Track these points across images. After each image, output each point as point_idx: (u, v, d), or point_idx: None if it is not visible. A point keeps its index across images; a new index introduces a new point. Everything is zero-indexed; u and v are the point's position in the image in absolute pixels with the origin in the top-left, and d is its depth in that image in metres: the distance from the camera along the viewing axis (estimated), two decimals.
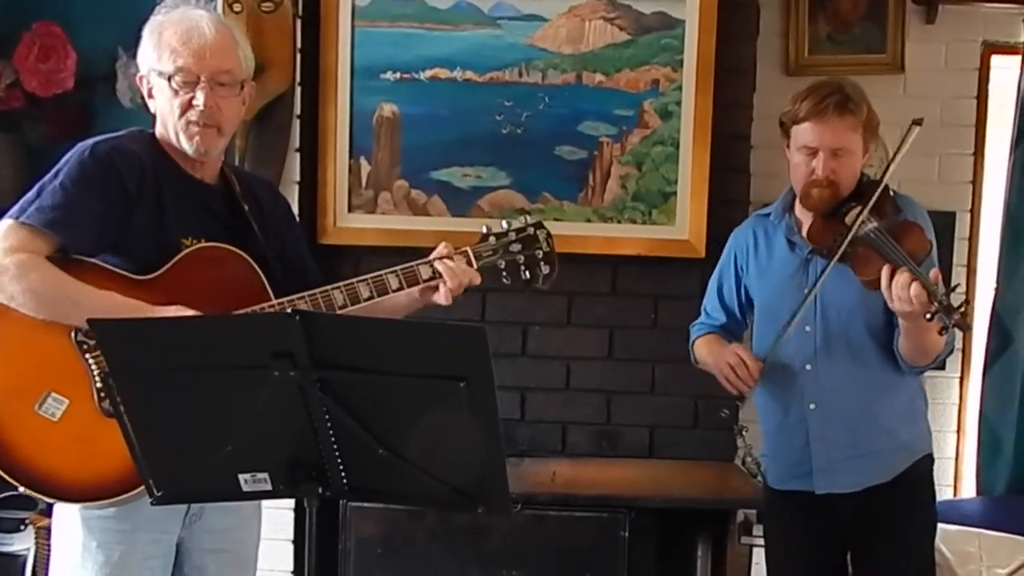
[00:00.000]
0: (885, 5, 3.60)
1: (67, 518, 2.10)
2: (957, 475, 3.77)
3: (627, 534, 2.97)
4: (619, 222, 3.39)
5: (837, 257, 2.44)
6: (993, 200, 3.70)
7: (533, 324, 3.44)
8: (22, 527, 3.31)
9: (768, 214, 2.68)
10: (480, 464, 1.75)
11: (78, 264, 2.03)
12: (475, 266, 2.26)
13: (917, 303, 2.24)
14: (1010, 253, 3.60)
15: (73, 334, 1.98)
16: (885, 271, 2.31)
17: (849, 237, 2.41)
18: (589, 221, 3.39)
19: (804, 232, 2.55)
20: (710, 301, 2.81)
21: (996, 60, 3.67)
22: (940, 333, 2.27)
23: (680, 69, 3.33)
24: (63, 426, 2.00)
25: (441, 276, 2.20)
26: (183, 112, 2.10)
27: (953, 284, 2.32)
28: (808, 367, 2.55)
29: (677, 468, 3.33)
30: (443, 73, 3.38)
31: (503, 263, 2.29)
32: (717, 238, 3.32)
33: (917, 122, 2.45)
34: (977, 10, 3.62)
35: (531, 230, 2.31)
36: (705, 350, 2.73)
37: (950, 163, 3.59)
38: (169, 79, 2.09)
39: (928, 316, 2.24)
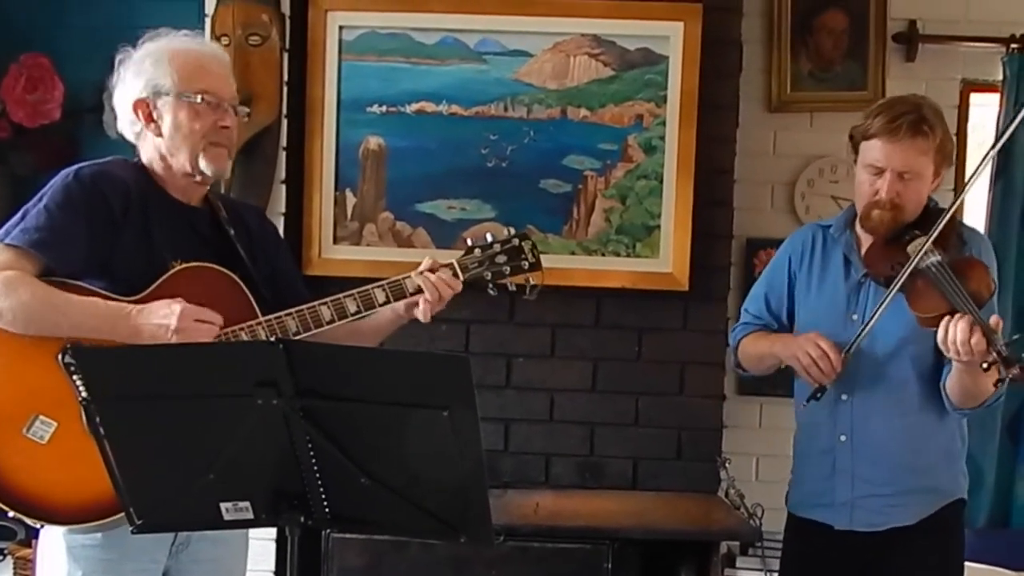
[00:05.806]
0: (866, 43, 3.65)
1: (52, 547, 2.08)
2: None
3: (610, 566, 2.95)
4: (603, 255, 3.41)
5: (896, 288, 2.29)
6: None
7: (517, 356, 3.45)
8: (1, 557, 3.28)
9: (829, 225, 2.56)
10: (463, 494, 1.75)
11: (64, 286, 2.03)
12: (461, 278, 2.26)
13: (976, 352, 2.11)
14: None
15: (60, 356, 1.98)
16: (945, 316, 2.16)
17: (909, 268, 2.27)
18: (573, 254, 3.41)
19: (862, 252, 2.44)
20: (754, 304, 2.67)
21: (975, 98, 3.73)
22: (995, 385, 2.15)
23: (664, 104, 3.36)
24: (52, 449, 2.00)
25: (422, 291, 2.21)
26: (205, 134, 2.12)
27: (1015, 335, 2.20)
28: (844, 396, 2.43)
29: (660, 500, 3.33)
30: (429, 107, 3.40)
31: (489, 274, 2.29)
32: (700, 271, 3.37)
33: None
34: (956, 48, 3.67)
35: (516, 241, 2.31)
36: (766, 342, 2.54)
37: None
38: (191, 100, 2.11)
39: (984, 365, 2.11)
